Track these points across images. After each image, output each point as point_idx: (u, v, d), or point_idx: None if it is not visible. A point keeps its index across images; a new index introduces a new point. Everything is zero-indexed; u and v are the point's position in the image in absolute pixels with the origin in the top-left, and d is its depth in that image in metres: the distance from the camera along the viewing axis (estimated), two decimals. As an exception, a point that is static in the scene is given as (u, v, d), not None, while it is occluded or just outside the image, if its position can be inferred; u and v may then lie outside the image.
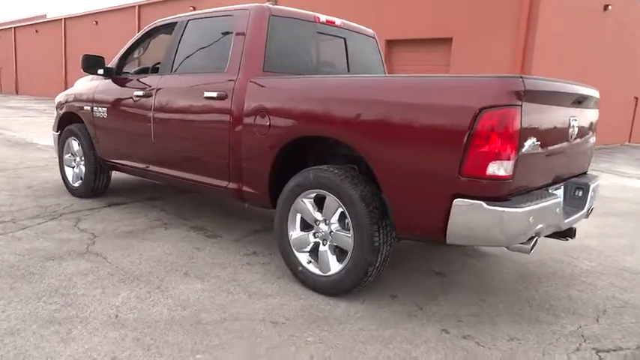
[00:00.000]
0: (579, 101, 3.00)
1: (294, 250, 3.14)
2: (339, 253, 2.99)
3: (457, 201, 2.40)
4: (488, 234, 2.38)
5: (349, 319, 2.72)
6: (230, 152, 3.45)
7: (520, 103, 2.32)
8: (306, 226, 3.14)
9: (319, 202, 3.04)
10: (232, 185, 3.53)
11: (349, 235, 2.84)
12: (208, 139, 3.62)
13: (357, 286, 2.91)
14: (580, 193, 3.11)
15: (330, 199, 2.90)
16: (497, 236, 2.38)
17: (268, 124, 3.17)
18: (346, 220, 2.92)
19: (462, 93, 2.43)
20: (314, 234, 3.06)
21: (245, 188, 3.45)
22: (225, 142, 3.46)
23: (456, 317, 2.80)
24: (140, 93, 4.17)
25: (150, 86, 4.11)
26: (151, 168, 4.22)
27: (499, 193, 2.37)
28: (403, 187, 2.60)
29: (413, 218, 2.62)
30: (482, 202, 2.35)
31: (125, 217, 4.46)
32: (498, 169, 2.31)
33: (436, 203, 2.48)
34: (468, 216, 2.39)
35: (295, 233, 3.14)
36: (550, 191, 2.84)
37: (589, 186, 3.11)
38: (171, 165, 4.02)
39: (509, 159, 2.32)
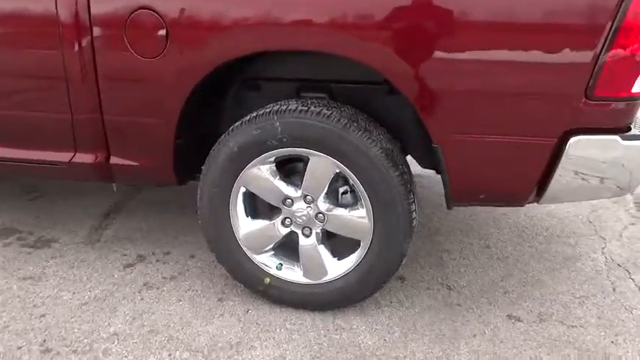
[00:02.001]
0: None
1: (248, 253, 1.84)
2: (332, 244, 1.83)
3: (576, 139, 1.47)
4: (618, 181, 1.55)
5: (395, 344, 1.69)
6: (72, 96, 1.78)
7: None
8: (260, 210, 1.85)
9: (284, 169, 1.77)
10: (84, 157, 1.90)
11: (363, 216, 1.69)
12: (18, 73, 1.82)
13: (378, 290, 1.84)
14: None
15: (319, 163, 1.66)
16: (625, 182, 1.56)
17: (164, 34, 1.62)
18: (343, 194, 1.76)
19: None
20: (283, 221, 1.80)
21: (117, 160, 1.88)
22: (59, 76, 1.75)
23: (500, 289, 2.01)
24: None
25: None
26: None
27: (627, 120, 1.52)
28: (477, 123, 1.52)
29: (486, 174, 1.60)
30: (617, 137, 1.47)
31: None
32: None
33: (536, 146, 1.51)
34: (589, 160, 1.50)
35: (246, 225, 1.82)
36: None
37: None
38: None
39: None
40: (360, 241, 1.76)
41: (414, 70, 1.49)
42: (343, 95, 1.83)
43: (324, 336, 1.75)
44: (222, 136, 1.73)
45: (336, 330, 1.78)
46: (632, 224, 2.64)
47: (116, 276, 2.09)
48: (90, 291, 1.99)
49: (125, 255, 2.24)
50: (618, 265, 2.24)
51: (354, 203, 1.76)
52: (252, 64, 1.79)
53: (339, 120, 1.59)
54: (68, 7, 1.67)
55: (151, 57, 1.65)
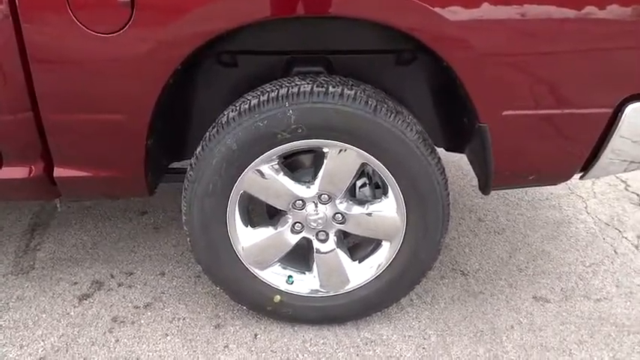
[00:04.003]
0: None
1: (251, 269, 1.51)
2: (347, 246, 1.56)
3: (635, 106, 1.31)
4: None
5: (435, 351, 1.48)
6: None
7: None
8: (257, 217, 1.52)
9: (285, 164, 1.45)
10: (15, 172, 1.41)
11: (393, 213, 1.43)
12: None
13: (408, 294, 1.61)
14: None
15: (342, 155, 1.35)
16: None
17: (131, 1, 1.18)
18: (361, 188, 1.49)
19: None
20: (292, 227, 1.48)
21: (63, 171, 1.41)
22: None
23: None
24: None
25: None
26: None
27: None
28: (532, 95, 1.30)
29: (538, 153, 1.39)
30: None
31: None
32: None
33: (592, 116, 1.33)
34: (643, 129, 1.36)
35: (247, 237, 1.48)
36: None
37: None
38: None
39: None
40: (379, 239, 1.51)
41: (462, 31, 1.22)
42: (343, 68, 1.53)
43: (356, 355, 1.51)
44: (211, 131, 1.36)
45: (367, 344, 1.54)
46: (597, 179, 2.66)
47: (72, 314, 1.65)
48: (43, 341, 1.54)
49: (76, 283, 1.79)
50: (606, 224, 2.22)
51: (374, 198, 1.49)
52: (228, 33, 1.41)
53: (367, 102, 1.29)
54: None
55: (108, 32, 1.21)
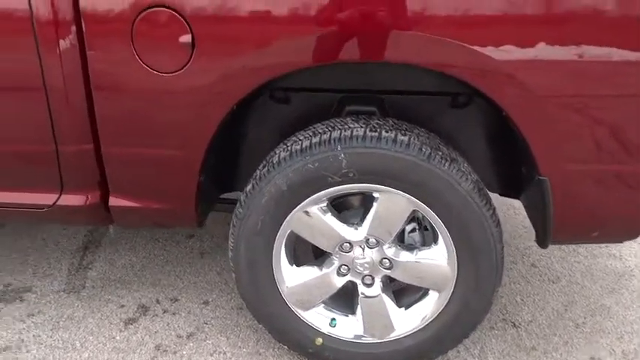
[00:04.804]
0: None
1: (294, 310, 1.49)
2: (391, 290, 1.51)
3: None
4: None
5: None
6: (56, 122, 1.34)
7: None
8: (302, 256, 1.50)
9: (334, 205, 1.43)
10: (73, 199, 1.46)
11: (444, 264, 1.38)
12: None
13: (456, 346, 1.55)
14: None
15: (393, 201, 1.32)
16: None
17: (189, 41, 1.21)
18: (410, 233, 1.45)
19: None
20: (338, 269, 1.45)
21: (119, 201, 1.45)
22: (36, 95, 1.31)
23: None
24: None
25: None
26: None
27: None
28: (601, 147, 1.23)
29: (605, 208, 1.31)
30: None
31: None
32: None
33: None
34: None
35: (292, 277, 1.47)
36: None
37: None
38: None
39: None
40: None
41: (516, 72, 1.17)
42: (397, 108, 1.50)
43: (397, 407, 1.45)
44: (262, 170, 1.36)
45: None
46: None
47: (118, 338, 1.68)
48: (89, 363, 1.58)
49: (123, 306, 1.83)
50: (674, 281, 2.06)
51: (423, 244, 1.45)
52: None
53: (421, 148, 1.26)
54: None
55: (168, 71, 1.24)
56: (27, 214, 1.52)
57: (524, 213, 1.73)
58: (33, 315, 1.78)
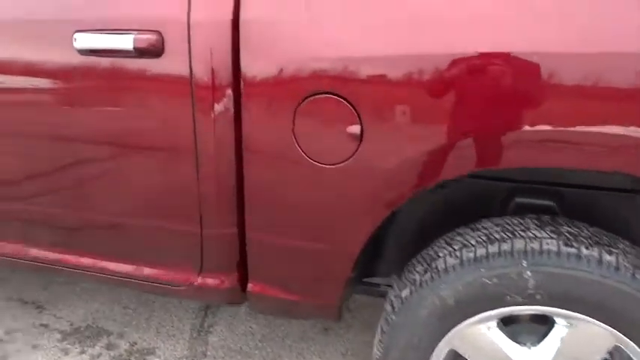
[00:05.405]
0: None
1: None
2: None
3: None
4: None
5: None
6: (204, 207, 1.27)
7: None
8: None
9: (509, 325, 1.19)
10: (209, 281, 1.38)
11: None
12: (117, 170, 1.34)
13: None
14: None
15: (588, 333, 1.07)
16: None
17: (358, 132, 1.07)
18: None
19: None
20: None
21: (256, 288, 1.34)
22: (188, 188, 1.25)
23: None
24: None
25: None
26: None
27: None
28: None
29: None
30: None
31: None
32: None
33: None
34: None
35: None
36: None
37: None
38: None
39: None
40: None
41: None
42: (577, 204, 1.25)
43: None
44: (423, 276, 1.17)
45: None
46: None
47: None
48: None
49: (244, 384, 1.72)
50: None
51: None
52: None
53: (634, 274, 1.00)
54: (204, 74, 1.16)
55: (331, 163, 1.11)
56: (162, 289, 1.46)
57: None
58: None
